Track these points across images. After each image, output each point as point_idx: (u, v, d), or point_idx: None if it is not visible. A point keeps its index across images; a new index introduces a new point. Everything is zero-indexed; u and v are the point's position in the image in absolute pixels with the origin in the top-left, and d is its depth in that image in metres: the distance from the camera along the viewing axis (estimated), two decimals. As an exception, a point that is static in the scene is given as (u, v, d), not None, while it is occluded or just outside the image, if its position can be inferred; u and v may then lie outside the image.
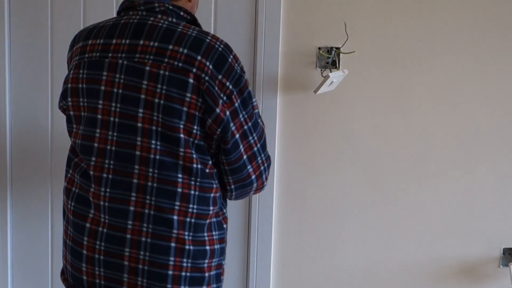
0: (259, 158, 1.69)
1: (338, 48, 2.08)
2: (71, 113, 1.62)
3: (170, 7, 1.62)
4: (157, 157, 1.58)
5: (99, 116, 1.57)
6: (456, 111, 2.14)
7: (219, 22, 2.19)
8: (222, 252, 1.72)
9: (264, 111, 2.18)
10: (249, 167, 1.66)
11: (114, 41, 1.56)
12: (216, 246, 1.68)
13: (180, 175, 1.60)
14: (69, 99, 1.61)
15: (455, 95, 2.12)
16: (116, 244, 1.59)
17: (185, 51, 1.54)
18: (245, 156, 1.65)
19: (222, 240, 1.71)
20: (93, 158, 1.57)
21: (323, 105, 2.18)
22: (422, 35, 2.11)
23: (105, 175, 1.59)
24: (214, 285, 1.68)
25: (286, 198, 2.25)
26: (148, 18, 1.57)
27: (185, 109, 1.55)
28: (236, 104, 1.58)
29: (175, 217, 1.56)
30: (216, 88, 1.55)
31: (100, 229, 1.57)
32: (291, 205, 2.24)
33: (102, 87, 1.56)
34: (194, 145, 1.60)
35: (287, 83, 2.19)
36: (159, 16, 1.59)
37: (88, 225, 1.59)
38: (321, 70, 2.10)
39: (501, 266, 2.17)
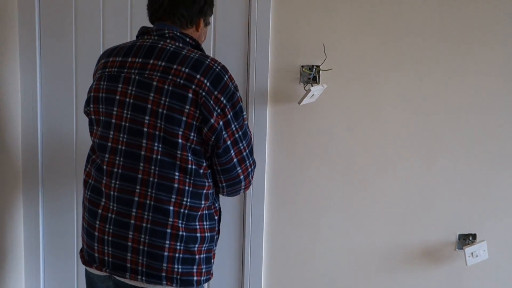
0: (247, 162, 1.86)
1: (318, 66, 2.23)
2: (92, 117, 1.81)
3: (178, 34, 1.79)
4: (159, 157, 1.76)
5: (113, 121, 1.76)
6: (417, 115, 2.32)
7: (218, 45, 2.37)
8: (212, 239, 1.88)
9: (256, 120, 2.32)
10: (238, 168, 1.82)
11: (129, 59, 1.75)
12: (206, 234, 1.83)
13: (177, 173, 1.77)
14: (91, 105, 1.81)
15: (416, 101, 2.31)
16: (122, 228, 1.75)
17: (187, 70, 1.71)
18: (235, 159, 1.81)
19: (213, 229, 1.86)
20: (107, 155, 1.76)
21: (306, 114, 2.35)
22: (388, 54, 2.29)
23: (115, 170, 1.76)
24: (204, 266, 1.84)
25: (275, 193, 2.42)
26: (159, 42, 1.76)
27: (184, 118, 1.71)
28: (229, 116, 1.75)
29: (171, 208, 1.74)
30: (212, 102, 1.71)
31: (109, 215, 1.75)
32: (280, 199, 2.41)
33: (117, 97, 1.75)
34: (191, 149, 1.75)
35: (275, 96, 2.36)
36: (168, 40, 1.77)
37: (100, 211, 1.77)
38: (304, 84, 2.25)
39: (457, 249, 2.35)
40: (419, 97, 2.29)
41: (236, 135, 1.79)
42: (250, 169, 1.87)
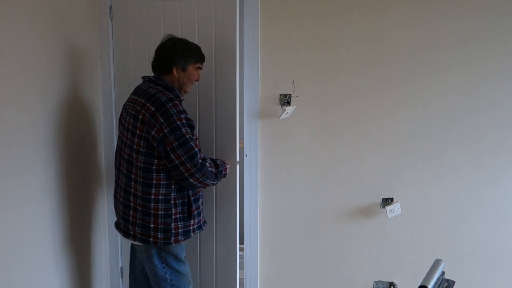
0: (187, 164, 2.08)
1: (290, 94, 2.81)
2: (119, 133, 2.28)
3: (153, 78, 2.20)
4: (126, 157, 2.15)
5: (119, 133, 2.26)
6: (351, 122, 2.81)
7: (219, 87, 2.64)
8: (186, 218, 2.17)
9: (252, 129, 2.84)
10: (181, 168, 2.07)
11: (131, 96, 2.20)
12: (160, 212, 2.15)
13: (133, 169, 2.12)
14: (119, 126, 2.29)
15: (349, 114, 2.81)
16: (126, 208, 2.21)
17: (143, 100, 2.11)
18: (177, 161, 2.05)
19: (168, 209, 2.15)
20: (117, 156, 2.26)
21: (283, 125, 2.87)
22: (332, 88, 2.81)
23: (121, 168, 2.19)
24: (182, 237, 2.19)
25: (265, 173, 2.93)
26: (143, 84, 2.20)
27: (137, 132, 2.09)
28: (165, 130, 2.03)
29: (132, 191, 2.16)
30: (153, 120, 2.03)
31: (121, 199, 2.25)
32: (268, 177, 2.92)
33: (122, 120, 2.24)
34: (142, 153, 2.09)
35: (263, 114, 2.87)
36: (147, 83, 2.20)
37: (117, 196, 2.29)
38: (281, 106, 2.80)
39: (381, 208, 2.87)
40: (351, 111, 2.84)
41: (174, 145, 2.05)
42: (193, 170, 2.08)
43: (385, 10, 2.79)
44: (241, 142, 2.95)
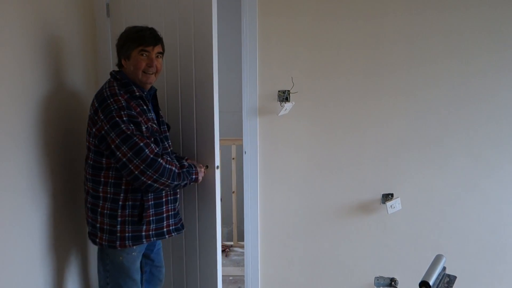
0: (135, 161, 1.94)
1: (288, 91, 2.80)
2: None
3: (113, 72, 2.13)
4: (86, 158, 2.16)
5: None
6: (349, 119, 2.84)
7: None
8: (135, 223, 2.06)
9: (251, 126, 2.83)
10: (130, 166, 1.94)
11: None
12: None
13: (85, 167, 2.12)
14: None
15: (347, 112, 2.84)
16: (85, 206, 2.19)
17: (93, 97, 2.08)
18: (124, 159, 1.94)
19: (114, 210, 2.06)
20: None
21: (282, 121, 2.88)
22: (329, 85, 2.82)
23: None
24: (129, 242, 2.06)
25: (265, 169, 2.94)
26: (107, 80, 2.14)
27: (88, 129, 2.06)
28: (106, 128, 1.95)
29: (101, 195, 2.09)
30: (96, 117, 1.98)
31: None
32: (267, 172, 2.94)
33: None
34: (91, 150, 2.04)
35: (262, 110, 2.87)
36: (109, 78, 2.14)
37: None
38: (280, 102, 2.79)
39: (381, 204, 2.87)
40: (350, 107, 2.85)
41: (116, 142, 1.94)
42: (142, 167, 1.95)
43: (385, 8, 2.81)
44: (240, 139, 2.97)
